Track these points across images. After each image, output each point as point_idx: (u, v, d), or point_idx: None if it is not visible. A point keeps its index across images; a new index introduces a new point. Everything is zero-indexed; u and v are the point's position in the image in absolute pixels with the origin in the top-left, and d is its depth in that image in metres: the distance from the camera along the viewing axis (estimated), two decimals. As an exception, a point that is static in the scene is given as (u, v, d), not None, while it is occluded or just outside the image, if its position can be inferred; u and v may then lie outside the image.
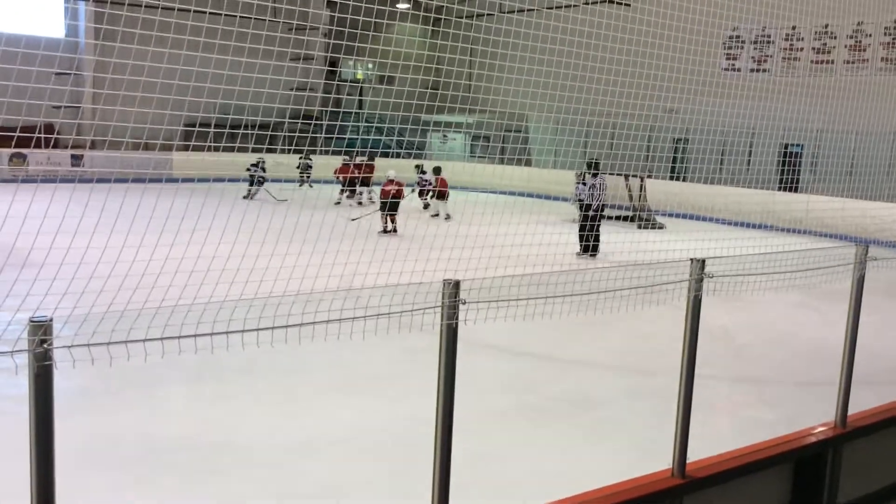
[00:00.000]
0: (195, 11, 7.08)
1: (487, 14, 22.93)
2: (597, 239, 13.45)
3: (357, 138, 26.60)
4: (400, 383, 7.26)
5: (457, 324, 3.76)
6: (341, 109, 30.75)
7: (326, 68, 29.60)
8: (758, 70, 26.37)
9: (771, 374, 8.62)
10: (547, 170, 24.39)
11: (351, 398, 6.80)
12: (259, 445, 5.65)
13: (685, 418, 5.14)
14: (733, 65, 26.64)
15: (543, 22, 15.03)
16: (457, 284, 3.85)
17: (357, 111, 31.18)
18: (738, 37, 26.51)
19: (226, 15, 6.80)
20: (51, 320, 3.04)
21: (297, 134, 11.52)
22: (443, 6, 26.60)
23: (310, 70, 27.50)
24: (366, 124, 29.02)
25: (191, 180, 17.28)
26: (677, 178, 23.57)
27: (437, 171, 21.60)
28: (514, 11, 21.76)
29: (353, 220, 16.16)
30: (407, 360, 7.76)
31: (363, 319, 3.91)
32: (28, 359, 2.99)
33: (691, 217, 20.48)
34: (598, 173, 14.34)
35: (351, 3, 6.34)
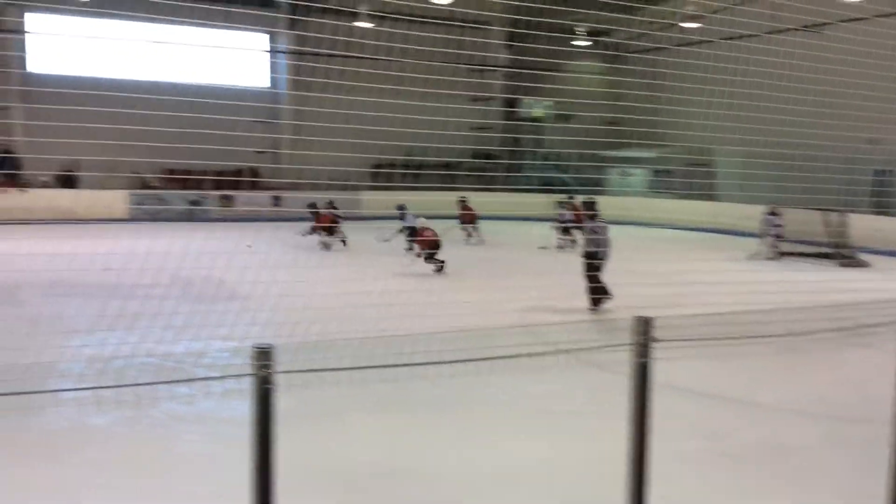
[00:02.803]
0: (383, 60, 7.45)
1: (668, 48, 22.44)
2: (604, 291, 10.91)
3: (535, 176, 26.72)
4: (582, 420, 7.11)
5: (650, 362, 3.63)
6: (520, 148, 31.02)
7: (504, 109, 30.15)
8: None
9: None
10: (734, 204, 23.24)
11: (534, 434, 6.74)
12: (446, 476, 5.73)
13: (899, 471, 4.64)
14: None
15: (725, 54, 14.52)
16: (649, 321, 3.72)
17: (536, 149, 31.40)
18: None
19: (411, 61, 7.07)
20: (273, 347, 3.26)
21: (476, 173, 11.78)
22: (622, 42, 26.36)
23: (489, 109, 28.08)
24: (543, 162, 29.14)
25: (379, 218, 18.14)
26: (882, 213, 21.71)
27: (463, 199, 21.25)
28: (694, 44, 21.11)
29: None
30: (588, 398, 7.61)
31: (545, 355, 3.86)
32: (252, 382, 3.22)
33: (898, 255, 18.74)
34: (596, 214, 11.56)
35: (529, 43, 6.41)
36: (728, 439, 6.59)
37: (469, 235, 19.84)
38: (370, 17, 23.71)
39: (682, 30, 23.24)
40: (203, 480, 5.37)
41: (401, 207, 16.05)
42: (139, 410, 6.22)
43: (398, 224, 15.67)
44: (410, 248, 15.35)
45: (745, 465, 6.04)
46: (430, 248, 14.25)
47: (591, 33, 27.85)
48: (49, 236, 6.65)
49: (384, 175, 25.07)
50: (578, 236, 20.33)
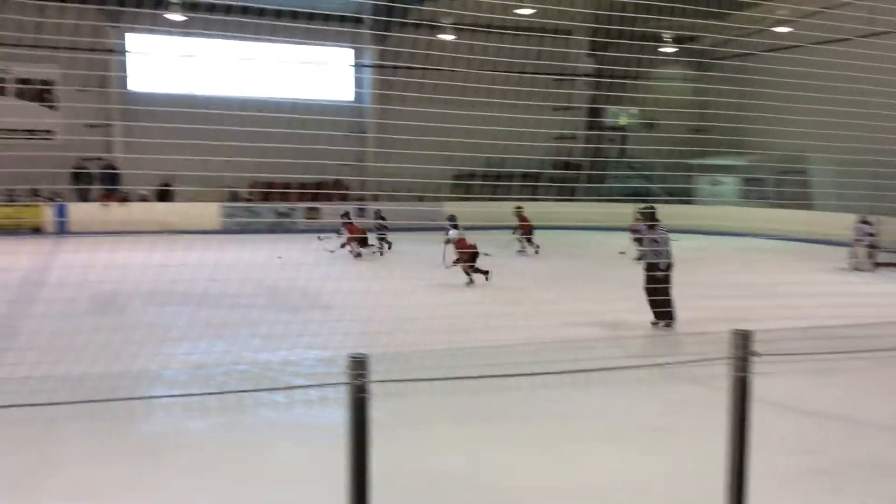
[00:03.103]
0: (466, 71, 7.50)
1: (758, 53, 21.80)
2: (667, 308, 10.32)
3: (619, 186, 26.33)
4: (669, 435, 6.94)
5: (749, 377, 3.52)
6: (604, 158, 30.64)
7: (586, 119, 29.87)
8: None
9: None
10: (830, 213, 22.34)
11: (618, 448, 6.62)
12: (528, 489, 5.69)
13: None
14: None
15: (818, 59, 13.98)
16: (748, 335, 3.61)
17: (619, 159, 30.95)
18: None
19: (493, 71, 7.10)
20: (367, 356, 3.33)
21: (557, 184, 11.69)
22: (709, 48, 25.75)
23: (572, 118, 27.86)
24: (627, 172, 28.71)
25: (468, 228, 18.16)
26: None
27: (519, 209, 20.69)
28: (785, 49, 20.42)
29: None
30: (676, 412, 7.42)
31: (635, 368, 3.80)
32: (347, 391, 3.30)
33: None
34: (655, 224, 10.78)
35: (613, 52, 6.33)
36: (826, 457, 6.33)
37: (523, 246, 19.40)
38: (453, 30, 23.91)
39: (773, 35, 22.55)
40: (295, 487, 5.49)
41: (451, 218, 16.11)
42: (233, 416, 6.41)
43: (446, 235, 15.65)
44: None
45: (844, 483, 5.79)
46: (469, 259, 14.35)
47: (677, 40, 27.34)
48: (147, 247, 6.95)
49: (465, 185, 25.21)
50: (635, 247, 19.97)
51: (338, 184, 26.94)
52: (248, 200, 26.40)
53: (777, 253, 20.76)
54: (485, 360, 4.91)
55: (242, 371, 7.12)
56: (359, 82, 29.62)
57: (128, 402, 4.89)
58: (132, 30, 25.26)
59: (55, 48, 21.13)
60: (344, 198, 26.85)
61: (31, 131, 25.34)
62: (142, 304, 7.09)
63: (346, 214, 18.88)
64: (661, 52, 26.42)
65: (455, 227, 15.29)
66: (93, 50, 24.45)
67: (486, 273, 14.17)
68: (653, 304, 10.32)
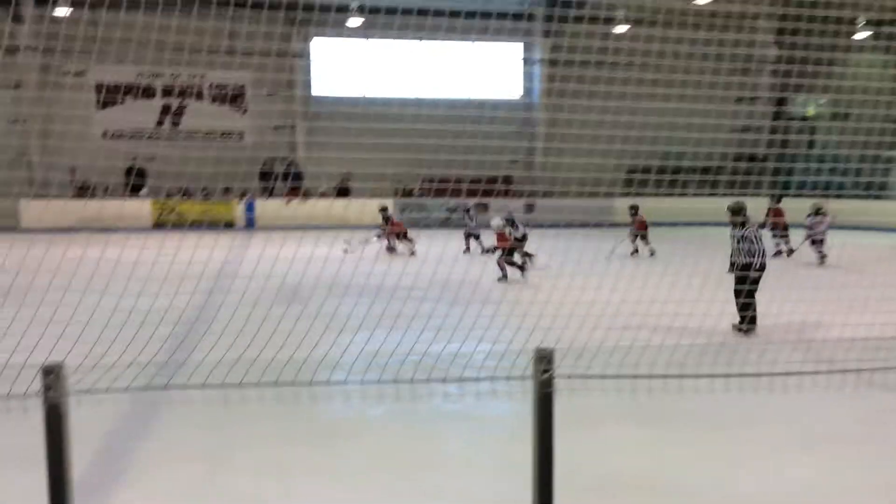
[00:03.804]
0: (641, 63, 7.30)
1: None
2: (754, 309, 9.55)
3: (807, 180, 24.69)
4: (867, 446, 6.43)
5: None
6: (789, 151, 28.86)
7: (772, 109, 28.23)
8: None
9: None
10: None
11: (807, 457, 6.22)
12: (708, 494, 5.48)
13: None
14: None
15: None
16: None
17: (807, 151, 28.97)
18: None
19: (670, 62, 6.88)
20: (553, 350, 3.36)
21: (739, 176, 11.11)
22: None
23: (755, 110, 26.46)
24: (817, 164, 26.83)
25: (629, 225, 17.73)
26: None
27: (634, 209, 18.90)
28: None
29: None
30: (874, 421, 6.87)
31: (823, 374, 3.55)
32: (532, 385, 3.33)
33: None
34: (745, 221, 10.13)
35: (802, 38, 5.93)
36: None
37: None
38: (627, 21, 23.36)
39: None
40: (467, 476, 5.59)
41: (507, 213, 16.08)
42: (407, 405, 6.62)
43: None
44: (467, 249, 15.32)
45: None
46: (506, 250, 14.44)
47: (872, 23, 25.21)
48: (327, 242, 7.33)
49: (639, 181, 24.57)
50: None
51: (506, 180, 27.11)
52: (420, 196, 27.15)
53: None
54: (660, 359, 4.77)
55: (415, 361, 7.32)
56: (528, 77, 29.62)
57: (311, 387, 5.17)
58: (316, 34, 26.65)
59: (248, 55, 22.70)
60: (511, 194, 26.99)
61: (223, 133, 27.41)
62: (323, 295, 7.48)
63: (386, 209, 19.24)
64: (854, 37, 24.50)
65: (510, 221, 15.26)
66: (280, 56, 26.03)
67: (521, 267, 14.23)
68: (739, 306, 9.56)
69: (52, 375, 3.55)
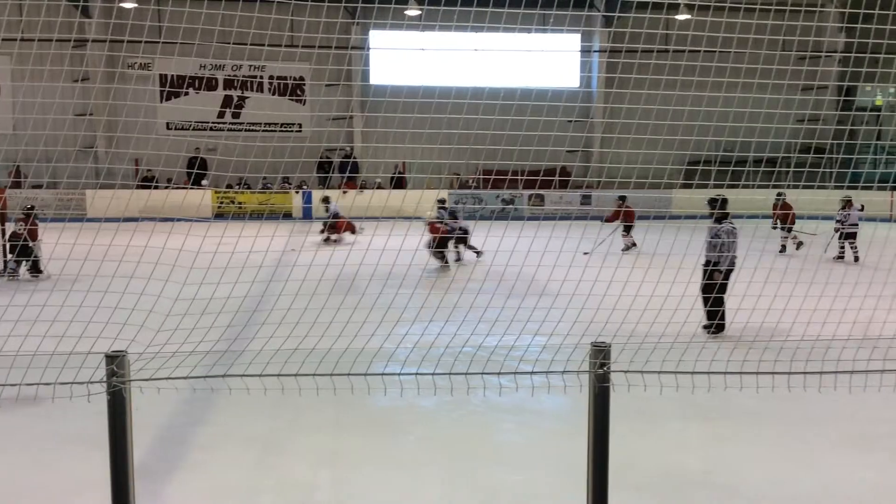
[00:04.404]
0: (700, 52, 7.14)
1: None
2: (723, 315, 8.71)
3: (876, 172, 23.92)
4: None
5: None
6: (857, 141, 27.96)
7: (838, 98, 27.38)
8: None
9: None
10: None
11: (869, 456, 6.03)
12: (767, 494, 5.36)
13: None
14: None
15: None
16: None
17: (875, 142, 28.00)
18: None
19: (734, 50, 6.70)
20: (610, 345, 3.31)
21: (805, 169, 10.78)
22: None
23: (820, 99, 25.68)
24: (887, 156, 25.96)
25: (692, 217, 17.37)
26: None
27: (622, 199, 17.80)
28: None
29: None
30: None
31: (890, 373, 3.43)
32: (589, 379, 3.29)
33: None
34: (723, 216, 9.27)
35: (873, 25, 5.71)
36: None
37: (798, 242, 16.72)
38: (689, 9, 22.87)
39: None
40: (519, 470, 5.57)
41: (441, 202, 16.14)
42: (460, 396, 6.62)
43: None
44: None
45: None
46: (439, 244, 14.49)
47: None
48: (382, 232, 7.36)
49: (699, 172, 24.10)
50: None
51: (563, 171, 26.89)
52: (475, 187, 27.10)
53: None
54: (721, 355, 4.67)
55: (469, 353, 7.29)
56: (584, 67, 29.28)
57: (366, 377, 5.21)
58: (374, 26, 26.77)
59: (308, 47, 22.94)
60: (567, 185, 26.76)
61: (282, 124, 27.77)
62: (378, 286, 7.53)
63: (443, 201, 18.20)
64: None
65: (443, 210, 15.51)
66: (339, 48, 26.24)
67: (445, 260, 14.39)
68: (706, 306, 8.97)
69: (115, 363, 3.64)
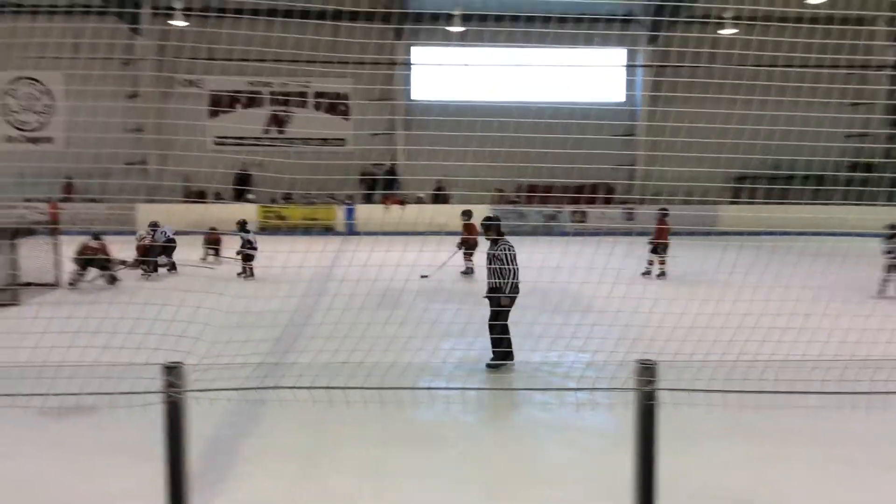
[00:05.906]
0: (750, 68, 7.11)
1: None
2: (508, 344, 8.07)
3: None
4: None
5: None
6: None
7: (887, 116, 26.81)
8: None
9: None
10: None
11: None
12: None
13: None
14: None
15: None
16: None
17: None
18: None
19: (781, 67, 6.68)
20: (656, 363, 3.33)
21: (853, 187, 10.61)
22: None
23: (870, 114, 25.17)
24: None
25: (739, 233, 16.97)
26: None
27: (467, 215, 16.27)
28: None
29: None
30: None
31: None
32: (634, 397, 3.31)
33: None
34: (499, 238, 8.32)
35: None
36: None
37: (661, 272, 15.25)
38: (736, 25, 22.68)
39: None
40: (562, 487, 5.56)
41: (241, 223, 15.24)
42: (504, 412, 6.63)
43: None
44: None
45: None
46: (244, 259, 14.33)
47: None
48: (422, 247, 7.38)
49: (746, 189, 23.80)
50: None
51: (607, 187, 26.76)
52: (518, 203, 27.09)
53: None
54: (764, 375, 4.63)
55: (512, 369, 7.30)
56: (629, 84, 29.15)
57: (412, 391, 5.27)
58: (416, 43, 27.04)
59: (353, 63, 23.24)
60: (611, 201, 26.62)
61: (325, 140, 28.13)
62: (424, 301, 7.60)
63: (469, 213, 16.57)
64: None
65: (245, 231, 15.08)
66: (381, 63, 26.55)
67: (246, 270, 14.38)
68: (491, 338, 8.03)
69: (172, 374, 3.75)
